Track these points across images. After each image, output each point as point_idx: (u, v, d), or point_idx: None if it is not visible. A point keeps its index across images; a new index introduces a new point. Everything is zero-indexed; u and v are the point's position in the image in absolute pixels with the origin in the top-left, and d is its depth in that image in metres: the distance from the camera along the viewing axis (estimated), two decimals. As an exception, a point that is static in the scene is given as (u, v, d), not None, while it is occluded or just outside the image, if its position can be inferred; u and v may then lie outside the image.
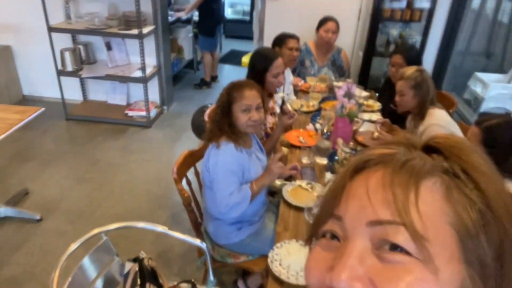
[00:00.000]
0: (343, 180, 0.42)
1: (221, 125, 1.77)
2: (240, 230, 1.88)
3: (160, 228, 1.62)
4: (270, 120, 2.39)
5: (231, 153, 1.73)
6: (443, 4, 3.49)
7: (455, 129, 2.18)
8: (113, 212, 2.85)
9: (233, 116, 1.77)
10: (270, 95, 2.46)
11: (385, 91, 3.03)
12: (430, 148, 0.41)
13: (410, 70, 2.23)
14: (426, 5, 3.39)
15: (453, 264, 0.36)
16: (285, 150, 2.50)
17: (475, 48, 4.13)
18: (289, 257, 1.48)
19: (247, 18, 7.36)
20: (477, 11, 4.08)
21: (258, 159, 1.91)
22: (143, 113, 4.09)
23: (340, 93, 2.22)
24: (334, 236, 0.41)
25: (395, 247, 0.35)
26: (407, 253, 0.35)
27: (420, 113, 2.22)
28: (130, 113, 4.14)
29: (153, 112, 4.22)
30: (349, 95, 2.26)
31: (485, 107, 3.52)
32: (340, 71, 3.32)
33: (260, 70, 2.25)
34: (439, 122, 2.15)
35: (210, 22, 4.89)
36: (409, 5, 3.52)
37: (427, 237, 0.35)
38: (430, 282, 0.35)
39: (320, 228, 0.42)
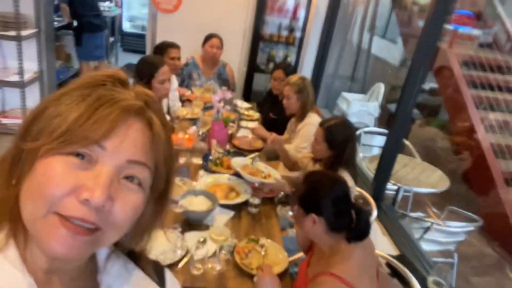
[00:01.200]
0: (119, 120, 0.48)
1: None
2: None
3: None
4: None
5: None
6: (314, 34, 4.02)
7: None
8: None
9: None
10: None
11: (265, 103, 3.38)
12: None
13: (295, 78, 2.63)
14: (298, 33, 3.93)
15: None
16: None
17: (343, 72, 4.82)
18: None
19: (145, 32, 7.36)
20: (343, 41, 4.78)
21: None
22: (20, 121, 3.79)
23: (215, 99, 2.43)
24: (79, 155, 0.47)
25: (132, 178, 0.49)
26: (139, 183, 0.50)
27: (302, 115, 2.60)
28: (4, 121, 3.80)
29: (33, 121, 3.94)
30: (224, 101, 2.49)
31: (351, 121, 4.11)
32: (226, 84, 3.57)
33: (146, 77, 2.31)
34: (315, 123, 2.52)
35: (77, 30, 4.66)
36: (289, 31, 4.01)
37: (153, 174, 0.52)
38: (143, 200, 0.51)
39: (70, 147, 0.46)
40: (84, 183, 0.46)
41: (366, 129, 3.57)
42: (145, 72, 2.35)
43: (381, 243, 2.23)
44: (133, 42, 7.39)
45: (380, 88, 4.13)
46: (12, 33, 3.46)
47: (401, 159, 3.09)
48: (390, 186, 2.90)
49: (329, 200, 1.32)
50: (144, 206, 0.52)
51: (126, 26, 7.30)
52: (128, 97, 0.50)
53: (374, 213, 2.16)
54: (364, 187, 2.47)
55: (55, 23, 4.40)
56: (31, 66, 3.88)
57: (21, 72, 3.65)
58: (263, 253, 1.58)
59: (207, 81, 3.49)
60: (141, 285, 0.60)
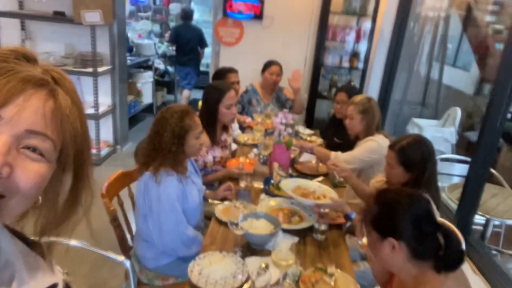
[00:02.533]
0: (16, 90, 0.48)
1: (176, 155, 1.72)
2: (170, 251, 1.83)
3: (74, 242, 1.55)
4: (218, 153, 2.42)
5: (173, 185, 1.71)
6: (379, 58, 3.85)
7: None
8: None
9: (186, 144, 1.76)
10: (225, 128, 2.52)
11: (329, 128, 3.22)
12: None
13: (360, 97, 2.45)
14: (362, 58, 3.80)
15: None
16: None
17: (412, 98, 4.52)
18: (210, 267, 1.46)
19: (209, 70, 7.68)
20: (411, 67, 4.53)
21: (193, 183, 1.92)
22: (93, 151, 4.03)
23: (276, 120, 2.35)
24: None
25: (34, 149, 0.49)
26: (41, 154, 0.50)
27: (367, 137, 2.38)
28: (80, 151, 4.06)
29: (105, 151, 4.18)
30: (286, 124, 2.39)
31: (422, 149, 3.77)
32: (286, 105, 3.46)
33: (213, 102, 2.31)
34: (379, 141, 2.31)
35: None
36: (352, 56, 3.90)
37: (58, 147, 0.52)
38: (47, 170, 0.51)
39: None
40: None
41: (443, 156, 3.23)
42: (212, 98, 2.33)
43: (472, 283, 1.88)
44: (199, 79, 7.74)
45: (457, 112, 3.78)
46: (89, 69, 3.76)
47: (488, 188, 2.70)
48: (476, 220, 2.53)
49: (408, 220, 1.11)
50: (50, 177, 0.52)
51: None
52: (31, 70, 0.50)
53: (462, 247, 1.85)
54: (446, 219, 2.16)
55: (128, 61, 4.75)
56: (105, 100, 4.17)
57: (96, 106, 3.92)
58: (332, 283, 1.38)
59: (266, 106, 3.44)
60: (32, 260, 0.59)
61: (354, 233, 2.15)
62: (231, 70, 3.01)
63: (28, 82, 0.48)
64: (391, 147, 1.82)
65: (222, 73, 2.98)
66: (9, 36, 3.92)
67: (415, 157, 1.73)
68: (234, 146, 2.77)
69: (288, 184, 1.98)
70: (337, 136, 2.95)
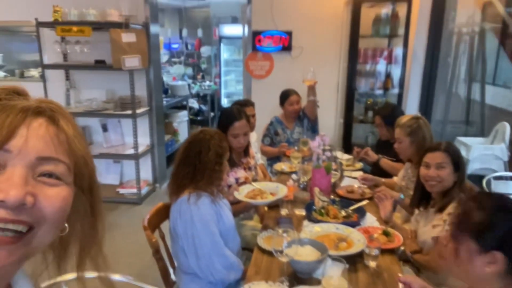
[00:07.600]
0: (17, 121, 0.48)
1: (219, 174, 1.77)
2: (213, 283, 1.76)
3: (118, 277, 1.52)
4: (240, 174, 2.39)
5: (206, 206, 1.70)
6: (414, 77, 3.76)
7: None
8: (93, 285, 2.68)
9: (222, 165, 1.78)
10: (246, 152, 2.51)
11: (378, 150, 3.07)
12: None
13: (406, 118, 2.32)
14: (396, 78, 3.72)
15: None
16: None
17: (454, 117, 4.33)
18: (256, 297, 1.38)
19: (242, 106, 7.81)
20: (450, 87, 4.37)
21: (225, 204, 1.89)
22: (134, 190, 4.11)
23: (314, 144, 2.28)
24: None
25: (50, 175, 0.50)
26: (58, 178, 0.51)
27: (420, 161, 2.18)
28: (122, 191, 4.16)
29: (145, 190, 4.25)
30: (323, 148, 2.32)
31: (471, 168, 3.53)
32: (308, 123, 3.42)
33: (223, 128, 2.30)
34: None
35: None
36: (386, 78, 3.82)
37: (72, 169, 0.53)
38: (68, 192, 0.52)
39: None
40: None
41: (496, 174, 2.99)
42: (222, 123, 2.35)
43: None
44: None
45: (506, 128, 3.54)
46: (129, 112, 3.92)
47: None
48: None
49: None
50: (73, 201, 0.53)
51: (224, 102, 7.88)
52: (25, 102, 0.51)
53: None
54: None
55: (164, 102, 4.93)
56: (144, 140, 4.30)
57: (136, 146, 4.04)
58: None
59: (292, 131, 3.41)
60: None
61: (407, 261, 1.99)
62: (246, 104, 3.02)
63: (26, 111, 0.49)
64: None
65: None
66: (55, 87, 4.20)
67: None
68: None
69: (244, 190, 2.14)
70: (388, 154, 2.79)
